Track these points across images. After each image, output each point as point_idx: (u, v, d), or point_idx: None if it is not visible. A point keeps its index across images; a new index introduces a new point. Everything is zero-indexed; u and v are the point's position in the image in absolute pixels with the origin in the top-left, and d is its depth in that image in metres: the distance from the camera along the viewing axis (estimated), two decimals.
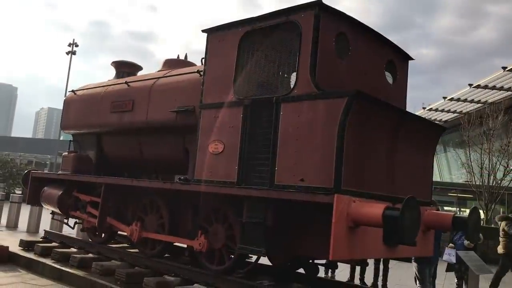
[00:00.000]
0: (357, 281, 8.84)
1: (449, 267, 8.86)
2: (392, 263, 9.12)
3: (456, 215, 5.67)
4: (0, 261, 7.81)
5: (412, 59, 6.83)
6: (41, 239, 9.30)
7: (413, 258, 7.44)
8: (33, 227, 12.47)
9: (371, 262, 8.23)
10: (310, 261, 6.79)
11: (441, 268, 8.40)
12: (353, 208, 4.69)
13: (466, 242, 8.41)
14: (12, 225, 13.05)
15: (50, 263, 7.47)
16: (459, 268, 8.73)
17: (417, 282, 7.76)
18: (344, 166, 4.71)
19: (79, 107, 9.32)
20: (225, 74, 6.03)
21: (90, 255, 7.92)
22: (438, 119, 29.70)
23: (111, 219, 7.81)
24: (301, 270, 7.10)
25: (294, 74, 5.50)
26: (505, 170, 21.07)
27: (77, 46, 39.85)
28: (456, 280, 9.03)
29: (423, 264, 7.31)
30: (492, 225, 22.46)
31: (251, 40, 5.90)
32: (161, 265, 6.86)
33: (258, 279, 6.50)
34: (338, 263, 6.86)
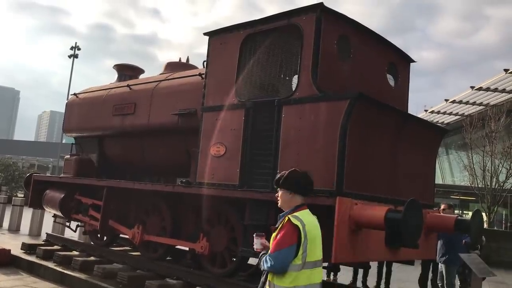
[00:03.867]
0: (359, 284, 8.80)
1: None
2: (395, 266, 9.08)
3: (459, 217, 5.65)
4: (2, 264, 7.81)
5: (414, 61, 6.82)
6: (43, 242, 9.31)
7: (439, 259, 7.63)
8: (35, 230, 12.47)
9: (373, 264, 8.20)
10: None
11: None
12: (355, 210, 4.68)
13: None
14: (14, 228, 13.05)
15: (52, 266, 7.47)
16: (462, 271, 8.70)
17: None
18: (346, 169, 4.70)
19: (81, 110, 9.33)
20: (227, 76, 6.03)
21: (92, 258, 7.92)
22: (440, 121, 29.62)
23: (113, 222, 7.80)
24: None
25: (296, 76, 5.50)
26: (507, 172, 21.00)
27: (79, 49, 39.94)
28: (459, 283, 8.99)
29: (451, 266, 7.52)
30: (495, 228, 22.41)
31: (253, 42, 5.90)
32: (163, 268, 6.85)
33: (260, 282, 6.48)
34: (340, 266, 6.84)
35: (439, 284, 8.04)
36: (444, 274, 7.71)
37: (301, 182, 3.21)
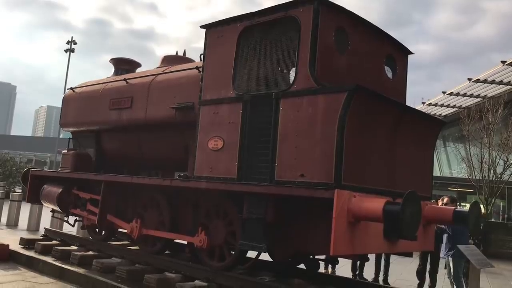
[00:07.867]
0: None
1: None
2: (393, 258, 9.12)
3: (457, 209, 5.66)
4: (1, 259, 7.80)
5: (412, 53, 6.80)
6: (41, 237, 9.29)
7: (445, 253, 7.59)
8: (33, 225, 12.49)
9: (371, 257, 8.22)
10: (311, 256, 6.79)
11: (441, 262, 8.39)
12: (354, 203, 4.69)
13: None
14: (12, 224, 13.06)
15: (51, 261, 7.46)
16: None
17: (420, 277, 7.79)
18: (344, 161, 4.70)
19: (78, 104, 9.30)
20: (224, 70, 6.00)
21: (91, 252, 7.91)
22: (437, 113, 29.64)
23: (111, 216, 7.79)
24: (302, 266, 7.09)
25: (294, 69, 5.48)
26: (505, 164, 21.05)
27: (75, 44, 39.83)
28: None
29: (458, 260, 7.47)
30: (493, 219, 22.49)
31: (250, 35, 5.87)
32: (162, 262, 6.86)
33: (259, 275, 6.50)
34: (339, 258, 6.85)
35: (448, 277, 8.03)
36: (451, 268, 7.69)
37: None
